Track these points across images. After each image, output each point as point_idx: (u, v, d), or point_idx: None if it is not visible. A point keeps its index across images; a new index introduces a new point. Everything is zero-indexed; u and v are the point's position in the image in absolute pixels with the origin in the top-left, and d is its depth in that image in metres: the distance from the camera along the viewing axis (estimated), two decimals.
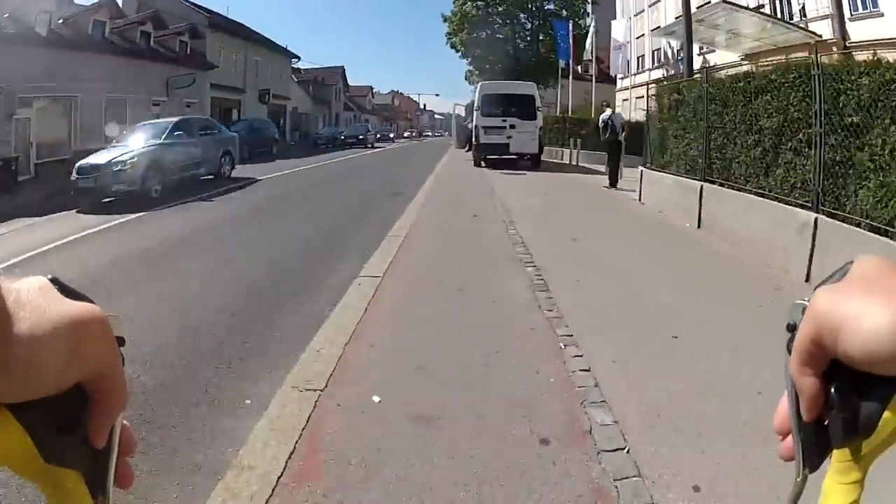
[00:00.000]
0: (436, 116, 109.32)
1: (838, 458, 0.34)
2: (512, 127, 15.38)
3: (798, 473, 0.35)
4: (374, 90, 67.08)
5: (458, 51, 32.14)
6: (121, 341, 0.34)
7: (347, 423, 2.40)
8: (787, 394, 0.35)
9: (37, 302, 0.30)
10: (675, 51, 22.71)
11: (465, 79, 39.94)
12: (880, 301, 0.30)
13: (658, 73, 24.01)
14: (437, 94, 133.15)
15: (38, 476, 0.31)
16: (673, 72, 22.89)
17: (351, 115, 52.32)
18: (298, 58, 36.59)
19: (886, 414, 0.31)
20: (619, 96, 27.95)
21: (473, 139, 16.35)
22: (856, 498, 0.33)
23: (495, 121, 15.48)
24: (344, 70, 49.15)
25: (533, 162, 15.91)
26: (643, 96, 26.97)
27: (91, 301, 0.33)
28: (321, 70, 45.68)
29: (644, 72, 25.54)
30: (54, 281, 0.32)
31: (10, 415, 0.29)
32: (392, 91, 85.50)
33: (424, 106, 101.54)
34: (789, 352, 0.34)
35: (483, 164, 16.03)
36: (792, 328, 0.35)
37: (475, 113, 15.99)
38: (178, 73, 22.41)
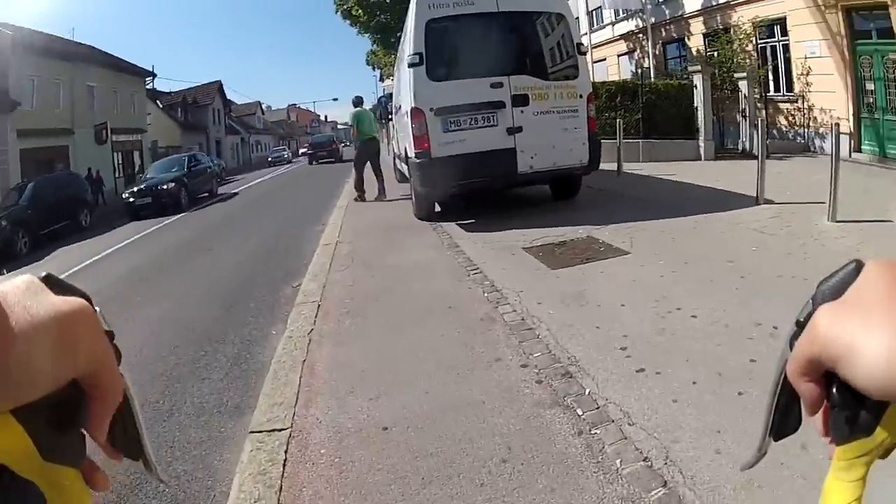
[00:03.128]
0: (339, 127, 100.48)
1: (840, 456, 0.33)
2: (520, 101, 5.83)
3: (761, 445, 0.35)
4: (264, 105, 57.68)
5: (353, 22, 21.33)
6: (110, 335, 0.33)
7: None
8: (776, 368, 0.35)
9: (25, 303, 0.29)
10: None
11: (367, 63, 28.85)
12: (881, 329, 0.29)
13: (625, 27, 18.66)
14: (335, 99, 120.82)
15: (36, 474, 0.30)
16: (654, 19, 17.59)
17: (237, 138, 43.55)
18: (153, 74, 27.63)
19: (888, 412, 0.30)
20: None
21: (406, 152, 6.56)
22: (858, 496, 0.32)
23: (472, 88, 5.75)
24: (221, 85, 39.78)
25: (566, 187, 6.88)
26: (604, 59, 21.85)
27: (84, 296, 0.32)
28: (192, 89, 36.74)
29: (603, 27, 20.12)
30: (46, 278, 0.31)
31: (8, 413, 0.28)
32: (289, 105, 76.28)
33: (326, 117, 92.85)
34: (791, 346, 0.34)
35: (438, 207, 6.75)
36: (801, 325, 0.33)
37: (409, 75, 5.83)
38: None
